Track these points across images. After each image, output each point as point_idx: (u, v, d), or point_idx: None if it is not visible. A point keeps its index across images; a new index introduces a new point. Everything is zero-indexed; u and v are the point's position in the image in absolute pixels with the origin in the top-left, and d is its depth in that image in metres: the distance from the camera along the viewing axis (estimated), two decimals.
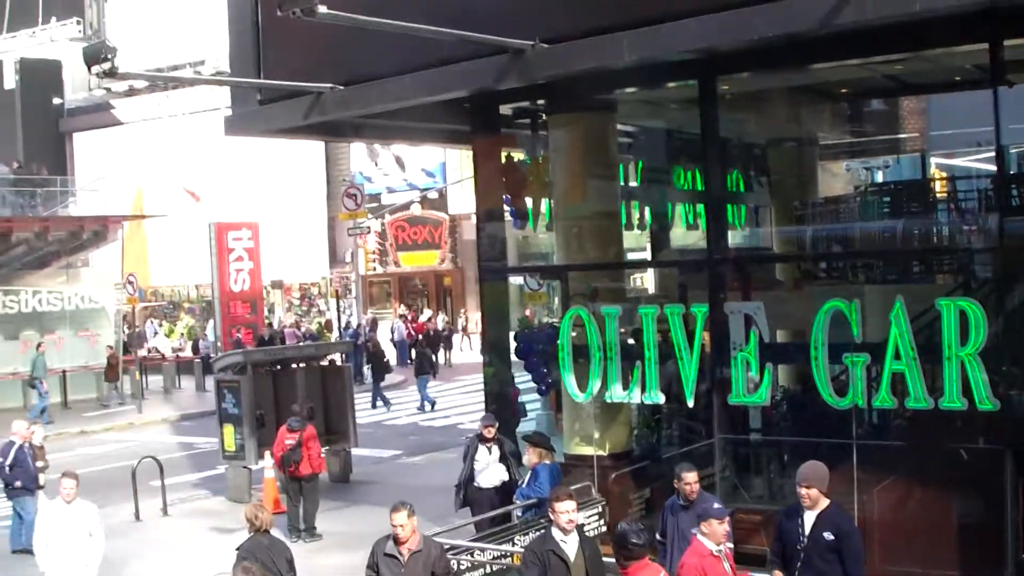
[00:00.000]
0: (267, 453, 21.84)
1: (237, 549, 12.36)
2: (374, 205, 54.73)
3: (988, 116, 13.26)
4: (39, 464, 19.91)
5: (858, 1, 11.78)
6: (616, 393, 15.89)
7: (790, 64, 15.37)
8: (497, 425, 17.18)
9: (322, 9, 11.64)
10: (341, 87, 16.45)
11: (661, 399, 15.72)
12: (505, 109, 18.23)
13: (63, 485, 14.99)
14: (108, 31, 68.31)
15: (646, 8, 13.54)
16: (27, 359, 40.98)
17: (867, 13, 11.85)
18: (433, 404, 35.92)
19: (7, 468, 19.53)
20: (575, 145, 17.74)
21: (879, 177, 21.28)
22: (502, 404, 18.19)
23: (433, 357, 41.75)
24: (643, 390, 15.56)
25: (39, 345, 40.32)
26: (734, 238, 17.74)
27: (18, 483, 19.49)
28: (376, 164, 57.85)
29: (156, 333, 60.13)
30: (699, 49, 13.68)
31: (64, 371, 42.00)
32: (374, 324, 50.64)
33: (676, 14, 13.12)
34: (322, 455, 21.09)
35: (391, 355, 46.56)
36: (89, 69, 14.35)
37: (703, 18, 12.89)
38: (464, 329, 55.01)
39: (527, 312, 22.69)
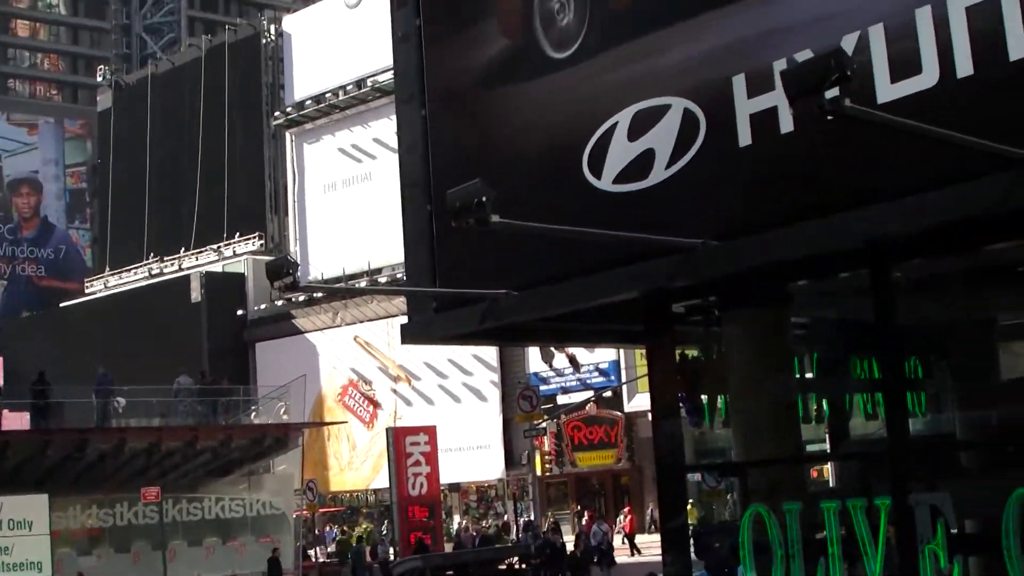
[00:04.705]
0: None
1: None
2: (549, 406, 54.94)
3: None
4: None
5: None
6: None
7: (966, 246, 15.15)
8: None
9: (495, 218, 11.95)
10: (515, 292, 16.71)
11: None
12: (678, 307, 18.30)
13: None
14: (288, 245, 70.80)
15: (813, 199, 13.54)
16: (212, 565, 41.66)
17: None
18: None
19: None
20: (749, 340, 17.63)
21: None
22: None
23: None
24: None
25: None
26: (915, 426, 17.36)
27: None
28: (550, 365, 58.26)
29: (335, 538, 60.66)
30: (870, 239, 13.60)
31: None
32: (556, 527, 50.25)
33: (844, 204, 13.05)
34: None
35: None
36: (272, 284, 14.92)
37: (872, 207, 12.75)
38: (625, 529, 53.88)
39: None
